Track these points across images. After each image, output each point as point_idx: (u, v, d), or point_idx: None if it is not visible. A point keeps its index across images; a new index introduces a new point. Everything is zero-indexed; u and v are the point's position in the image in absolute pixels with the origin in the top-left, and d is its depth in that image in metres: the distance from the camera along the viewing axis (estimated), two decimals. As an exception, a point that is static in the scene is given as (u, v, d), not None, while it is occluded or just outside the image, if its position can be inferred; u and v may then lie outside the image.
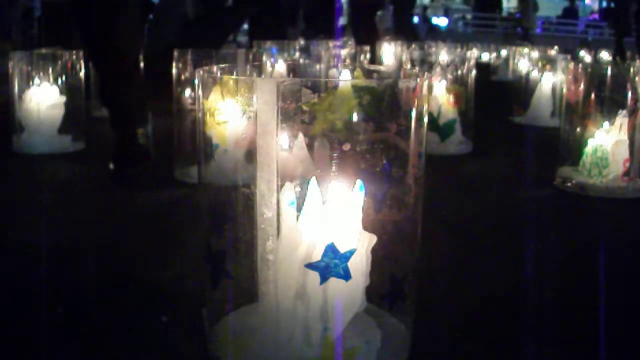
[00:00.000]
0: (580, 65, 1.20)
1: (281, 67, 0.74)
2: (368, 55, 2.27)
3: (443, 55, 1.76)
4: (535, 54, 2.36)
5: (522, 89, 2.01)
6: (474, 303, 0.70)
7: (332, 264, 0.50)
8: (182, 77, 1.15)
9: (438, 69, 1.49)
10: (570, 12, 10.58)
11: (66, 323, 0.63)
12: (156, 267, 0.77)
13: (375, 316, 0.56)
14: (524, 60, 2.20)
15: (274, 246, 0.51)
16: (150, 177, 1.17)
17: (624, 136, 1.13)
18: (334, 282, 0.51)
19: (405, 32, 3.62)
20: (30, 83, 1.38)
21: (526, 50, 2.60)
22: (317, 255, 0.51)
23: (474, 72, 1.53)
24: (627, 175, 1.14)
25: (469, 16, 11.36)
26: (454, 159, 1.45)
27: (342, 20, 3.51)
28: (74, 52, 1.42)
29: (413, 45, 2.41)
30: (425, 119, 0.55)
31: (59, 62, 1.39)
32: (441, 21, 11.41)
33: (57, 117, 1.39)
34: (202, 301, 0.58)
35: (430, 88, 1.27)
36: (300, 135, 0.51)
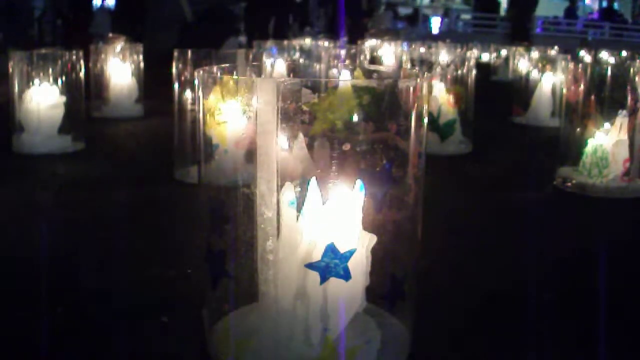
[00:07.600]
0: (580, 65, 1.20)
1: (281, 67, 0.73)
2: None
3: (443, 55, 1.76)
4: (535, 54, 2.36)
5: (522, 89, 2.01)
6: (474, 303, 0.70)
7: (332, 264, 0.50)
8: (182, 77, 1.15)
9: (438, 69, 1.49)
10: (570, 12, 10.59)
11: (65, 323, 0.63)
12: (156, 267, 0.77)
13: (375, 316, 0.56)
14: (524, 60, 2.20)
15: (274, 246, 0.51)
16: (151, 177, 1.16)
17: (624, 136, 1.13)
18: (334, 282, 0.51)
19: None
20: (30, 83, 1.38)
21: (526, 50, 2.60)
22: (317, 255, 0.51)
23: (474, 72, 1.53)
24: (627, 175, 1.14)
25: (468, 16, 11.38)
26: (454, 159, 1.45)
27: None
28: (74, 52, 1.42)
29: (413, 46, 2.40)
30: (425, 119, 0.55)
31: (59, 62, 1.39)
32: (435, 21, 11.43)
33: (57, 117, 1.39)
34: (202, 301, 0.58)
35: (430, 88, 1.26)
36: (300, 135, 0.51)
